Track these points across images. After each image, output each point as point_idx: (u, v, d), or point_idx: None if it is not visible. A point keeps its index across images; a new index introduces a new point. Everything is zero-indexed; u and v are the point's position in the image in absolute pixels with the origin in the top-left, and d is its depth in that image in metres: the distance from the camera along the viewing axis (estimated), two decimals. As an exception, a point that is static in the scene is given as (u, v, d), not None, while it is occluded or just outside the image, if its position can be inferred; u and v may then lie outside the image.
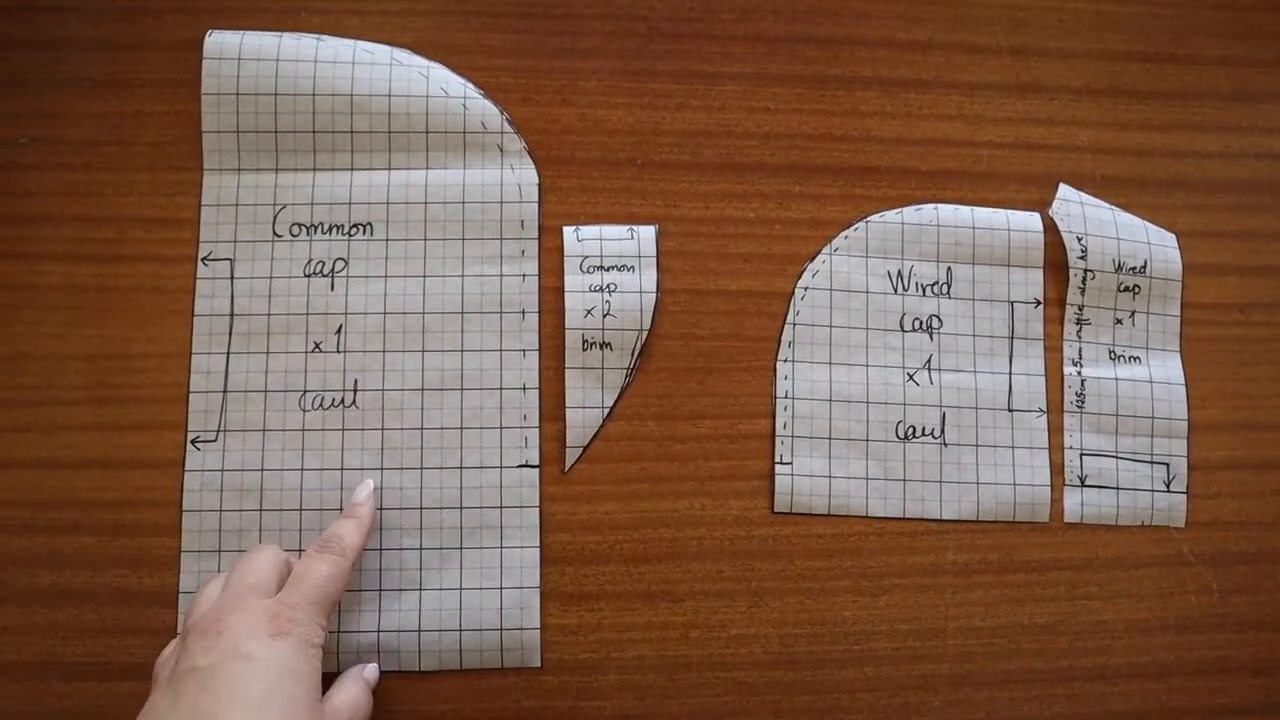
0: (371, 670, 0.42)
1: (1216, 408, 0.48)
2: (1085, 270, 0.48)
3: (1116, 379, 0.48)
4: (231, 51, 0.46)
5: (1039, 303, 0.48)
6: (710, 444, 0.46)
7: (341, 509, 0.44)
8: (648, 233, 0.47)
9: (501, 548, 0.44)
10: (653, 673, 0.44)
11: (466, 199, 0.46)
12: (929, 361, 0.47)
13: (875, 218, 0.48)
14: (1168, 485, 0.47)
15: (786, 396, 0.46)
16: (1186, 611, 0.47)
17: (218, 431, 0.44)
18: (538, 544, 0.45)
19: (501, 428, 0.45)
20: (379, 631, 0.43)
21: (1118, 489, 0.47)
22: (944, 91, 0.50)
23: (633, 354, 0.46)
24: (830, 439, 0.46)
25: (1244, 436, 0.48)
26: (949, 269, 0.48)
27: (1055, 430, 0.47)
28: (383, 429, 0.45)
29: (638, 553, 0.45)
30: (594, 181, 0.48)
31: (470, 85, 0.47)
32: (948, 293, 0.48)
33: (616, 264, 0.46)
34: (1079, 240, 0.48)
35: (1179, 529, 0.47)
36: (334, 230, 0.46)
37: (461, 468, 0.45)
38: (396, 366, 0.45)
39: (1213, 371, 0.49)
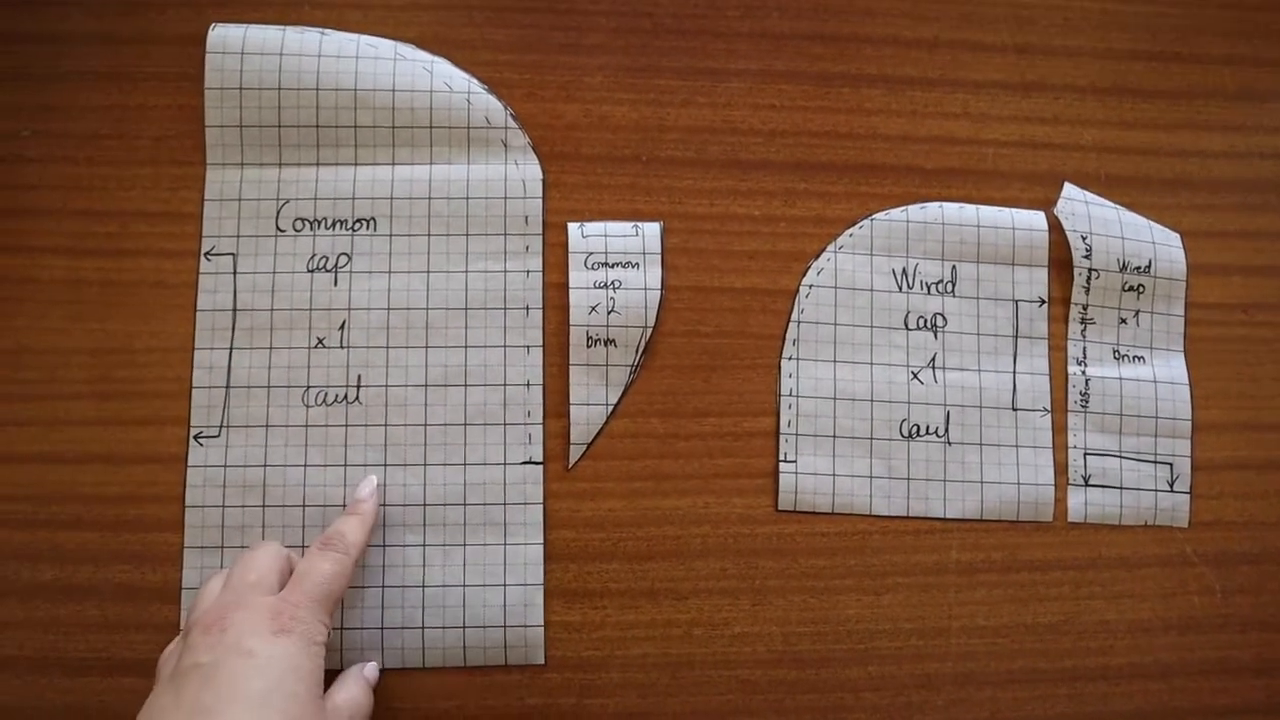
0: (371, 669, 0.42)
1: (1220, 408, 0.48)
2: (1090, 269, 0.48)
3: (1120, 378, 0.48)
4: (235, 46, 0.46)
5: (1043, 302, 0.48)
6: (714, 442, 0.46)
7: (344, 505, 0.44)
8: (652, 229, 0.47)
9: (505, 544, 0.44)
10: (656, 670, 0.44)
11: (470, 194, 0.46)
12: (933, 360, 0.47)
13: (880, 216, 0.48)
14: (1171, 485, 0.47)
15: (791, 394, 0.46)
16: (1189, 612, 0.47)
17: (220, 427, 0.44)
18: (541, 541, 0.45)
19: (505, 424, 0.45)
20: (382, 628, 0.43)
21: (1121, 489, 0.47)
22: (949, 89, 0.50)
23: (637, 351, 0.46)
24: (834, 437, 0.46)
25: (1247, 437, 0.48)
26: (954, 267, 0.48)
27: (1059, 430, 0.47)
28: (386, 425, 0.45)
29: (641, 550, 0.45)
30: (598, 178, 0.48)
31: (474, 80, 0.47)
32: (952, 291, 0.48)
33: (621, 261, 0.46)
34: (1084, 239, 0.48)
35: (1182, 529, 0.47)
36: (337, 225, 0.46)
37: (465, 464, 0.45)
38: (400, 363, 0.45)
39: (1217, 371, 0.48)
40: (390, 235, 0.46)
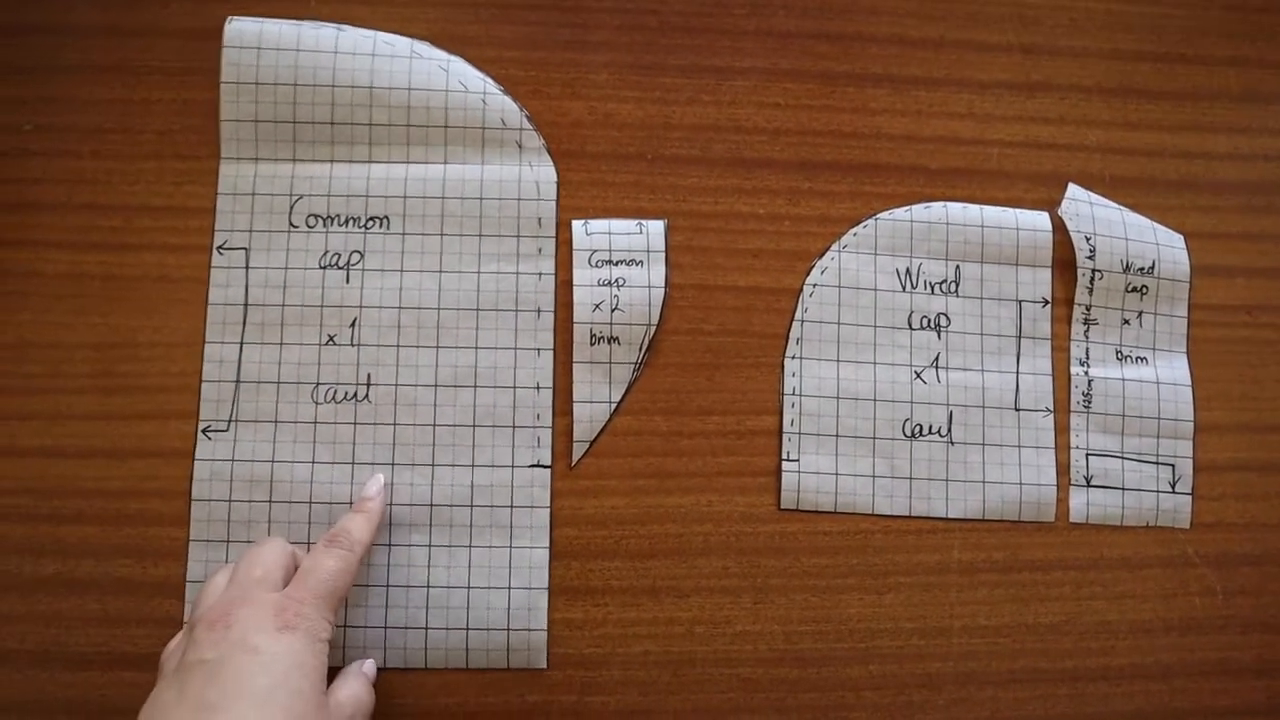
0: (370, 665, 0.42)
1: (1222, 409, 0.48)
2: (1093, 270, 0.48)
3: (1123, 379, 0.48)
4: (251, 40, 0.46)
5: (1047, 302, 0.48)
6: (717, 440, 0.46)
7: (351, 503, 0.44)
8: (656, 227, 0.47)
9: (511, 547, 0.44)
10: (657, 669, 0.44)
11: (484, 195, 0.46)
12: (936, 360, 0.47)
13: (884, 215, 0.48)
14: (1173, 486, 0.47)
15: (794, 393, 0.46)
16: (1190, 613, 0.47)
17: (229, 421, 0.44)
18: (547, 545, 0.45)
19: (514, 426, 0.45)
20: (385, 627, 0.43)
21: (1123, 489, 0.47)
22: (954, 89, 0.50)
23: (640, 349, 0.46)
24: (837, 436, 0.46)
25: (1250, 438, 0.48)
26: (957, 267, 0.48)
27: (1062, 430, 0.47)
28: (395, 424, 0.45)
29: (643, 548, 0.45)
30: (603, 175, 0.47)
31: (490, 81, 0.47)
32: (956, 291, 0.48)
33: (625, 258, 0.46)
34: (1087, 240, 0.48)
35: (1184, 530, 0.47)
36: (350, 223, 0.46)
37: (473, 466, 0.45)
38: (410, 362, 0.45)
39: (1219, 373, 0.49)
40: (403, 234, 0.46)
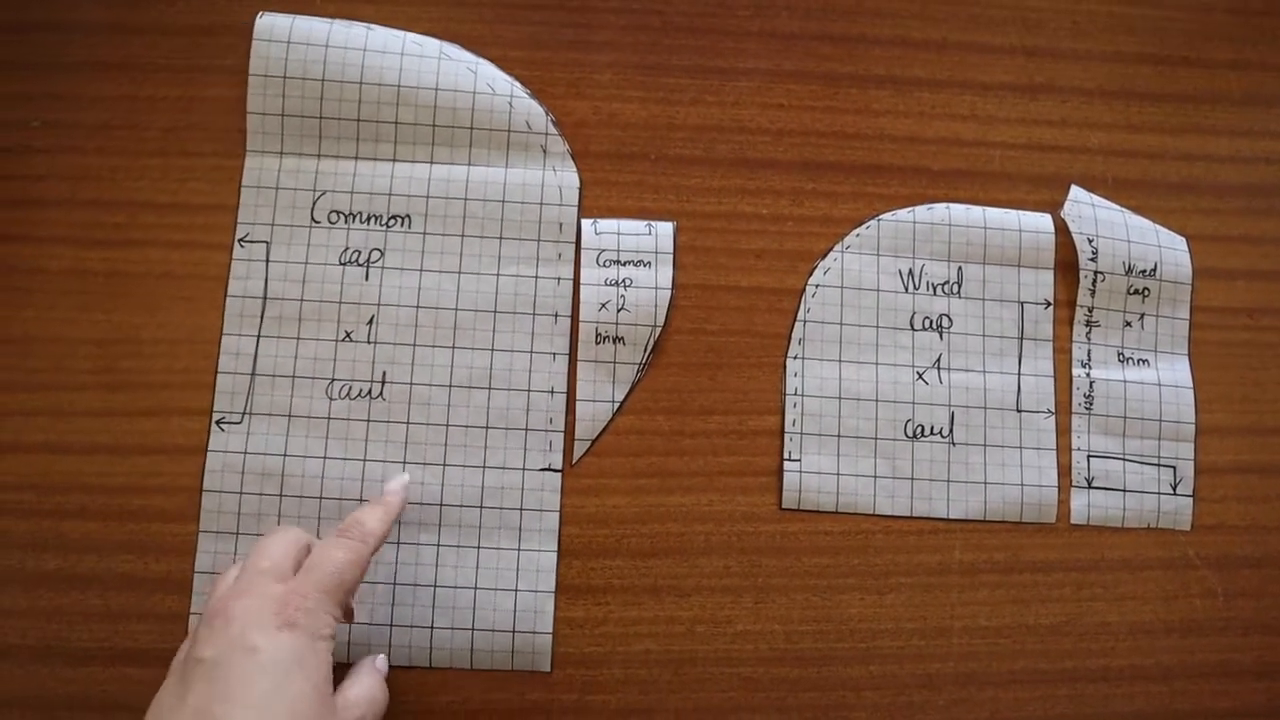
0: (382, 660, 0.41)
1: (1224, 411, 0.48)
2: (1095, 272, 0.48)
3: (1125, 381, 0.48)
4: (281, 35, 0.46)
5: (1049, 304, 0.48)
6: (719, 440, 0.46)
7: (361, 499, 0.44)
8: (665, 229, 0.47)
9: (519, 550, 0.44)
10: (658, 667, 0.44)
11: (507, 198, 0.46)
12: (938, 361, 0.47)
13: (887, 216, 0.48)
14: (1174, 488, 0.47)
15: (796, 393, 0.46)
16: (1191, 614, 0.47)
17: (243, 414, 0.44)
18: (555, 549, 0.45)
19: (526, 429, 0.45)
20: (390, 625, 0.43)
21: (1124, 491, 0.47)
22: (957, 91, 0.50)
23: (645, 350, 0.46)
24: (839, 436, 0.46)
25: (1251, 441, 0.48)
26: (960, 268, 0.48)
27: (1063, 431, 0.47)
28: (408, 423, 0.45)
29: (645, 547, 0.45)
30: (607, 175, 0.48)
31: (517, 84, 0.47)
32: (958, 292, 0.48)
33: (633, 259, 0.46)
34: (1089, 242, 0.48)
35: (1184, 532, 0.47)
36: (372, 220, 0.46)
37: (484, 467, 0.45)
38: (426, 361, 0.45)
39: (1221, 375, 0.49)
40: (424, 233, 0.46)
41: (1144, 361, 0.48)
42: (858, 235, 0.48)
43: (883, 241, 0.48)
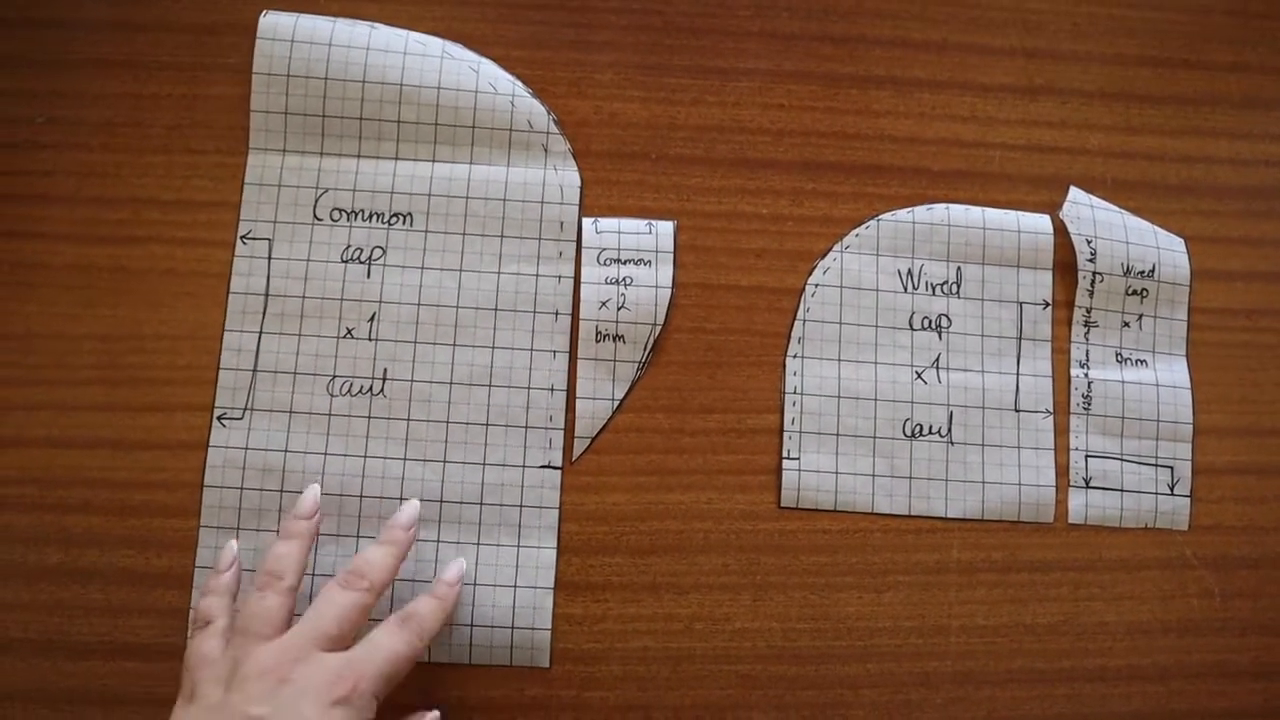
0: (434, 717, 0.41)
1: (1222, 412, 0.48)
2: (1094, 273, 0.48)
3: (1123, 382, 0.48)
4: (285, 33, 0.46)
5: (1047, 304, 0.48)
6: (718, 438, 0.46)
7: (362, 495, 0.44)
8: (666, 228, 0.47)
9: (518, 547, 0.45)
10: (656, 664, 0.45)
11: (508, 196, 0.47)
12: (937, 360, 0.48)
13: (886, 216, 0.48)
14: (1171, 488, 0.48)
15: (795, 392, 0.47)
16: (1188, 615, 0.47)
17: (245, 409, 0.45)
18: (554, 545, 0.45)
19: (527, 427, 0.45)
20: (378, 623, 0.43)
21: (1122, 491, 0.47)
22: (957, 92, 0.50)
23: (645, 348, 0.46)
24: (838, 435, 0.46)
25: (1249, 441, 0.48)
26: (959, 269, 0.48)
27: (1061, 431, 0.48)
28: (409, 420, 0.45)
29: (644, 544, 0.45)
30: (608, 174, 0.48)
31: (519, 84, 0.47)
32: (957, 292, 0.48)
33: (634, 258, 0.46)
34: (1088, 243, 0.48)
35: (1182, 532, 0.47)
36: (374, 218, 0.46)
37: (484, 464, 0.45)
38: (427, 359, 0.45)
39: (1219, 376, 0.49)
40: (426, 231, 0.46)
41: (1142, 362, 0.48)
42: (857, 235, 0.48)
43: (882, 241, 0.48)
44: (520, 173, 0.47)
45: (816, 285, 0.48)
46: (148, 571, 0.44)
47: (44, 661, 0.43)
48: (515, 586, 0.44)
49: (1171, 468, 0.48)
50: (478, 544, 0.44)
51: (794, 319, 0.47)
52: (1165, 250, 0.49)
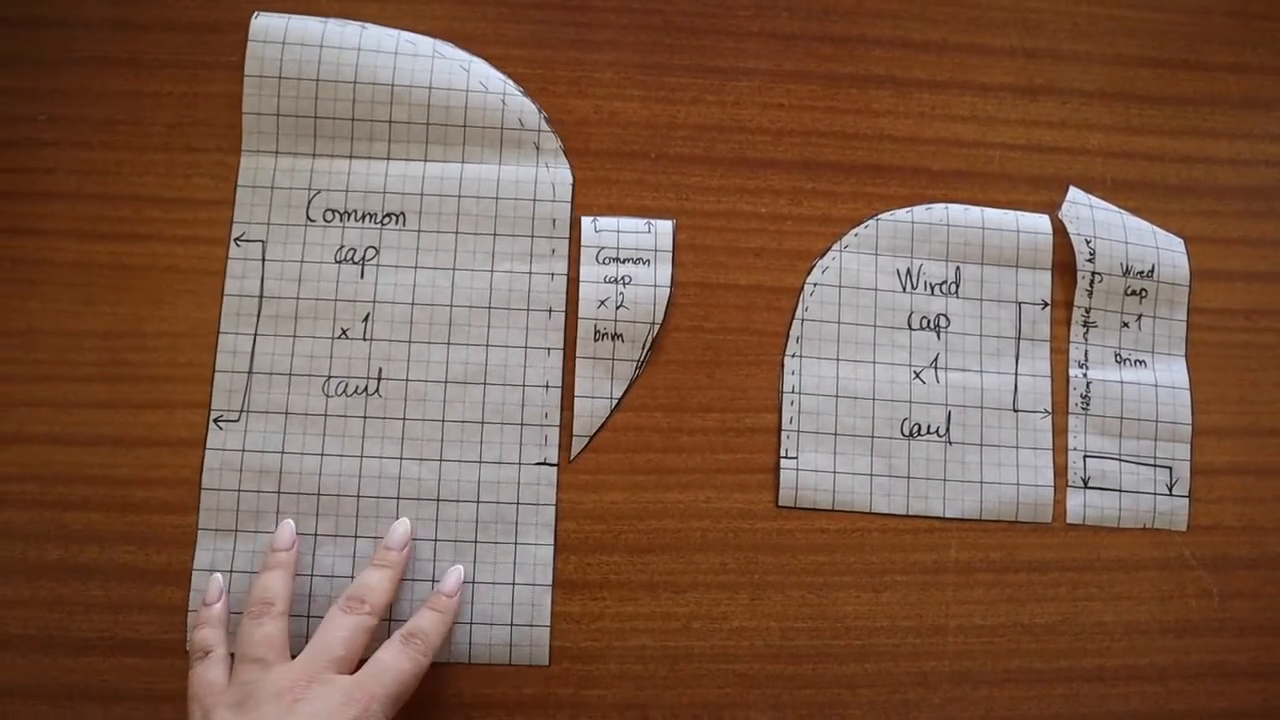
0: None
1: (1220, 413, 0.48)
2: (1093, 273, 0.48)
3: (1122, 382, 0.48)
4: (276, 35, 0.46)
5: (1046, 304, 0.48)
6: (716, 437, 0.46)
7: (359, 495, 0.44)
8: (665, 227, 0.47)
9: (515, 544, 0.45)
10: (654, 663, 0.45)
11: (500, 195, 0.47)
12: (935, 360, 0.48)
13: (885, 216, 0.48)
14: (1170, 489, 0.48)
15: (793, 391, 0.47)
16: (1186, 615, 0.47)
17: (240, 411, 0.45)
18: (552, 542, 0.45)
19: (522, 424, 0.45)
20: (389, 620, 0.43)
21: (1120, 491, 0.47)
22: (957, 92, 0.50)
23: (643, 347, 0.46)
24: (836, 435, 0.47)
25: (1247, 442, 0.48)
26: (958, 269, 0.48)
27: (1059, 431, 0.48)
28: (404, 419, 0.45)
29: (642, 543, 0.45)
30: (607, 173, 0.48)
31: (510, 82, 0.47)
32: (956, 292, 0.48)
33: (632, 257, 0.46)
34: (1087, 243, 0.48)
35: (1180, 532, 0.47)
36: (367, 218, 0.46)
37: (480, 462, 0.45)
38: (421, 358, 0.46)
39: (1218, 376, 0.49)
40: (419, 231, 0.46)
41: (1141, 362, 0.48)
42: (856, 235, 0.48)
43: (881, 241, 0.48)
44: (512, 171, 0.47)
45: (815, 285, 0.48)
46: (148, 568, 0.44)
47: (44, 657, 0.43)
48: (513, 584, 0.44)
49: (1170, 468, 0.48)
50: (475, 542, 0.45)
51: (792, 318, 0.47)
52: (1164, 250, 0.49)
